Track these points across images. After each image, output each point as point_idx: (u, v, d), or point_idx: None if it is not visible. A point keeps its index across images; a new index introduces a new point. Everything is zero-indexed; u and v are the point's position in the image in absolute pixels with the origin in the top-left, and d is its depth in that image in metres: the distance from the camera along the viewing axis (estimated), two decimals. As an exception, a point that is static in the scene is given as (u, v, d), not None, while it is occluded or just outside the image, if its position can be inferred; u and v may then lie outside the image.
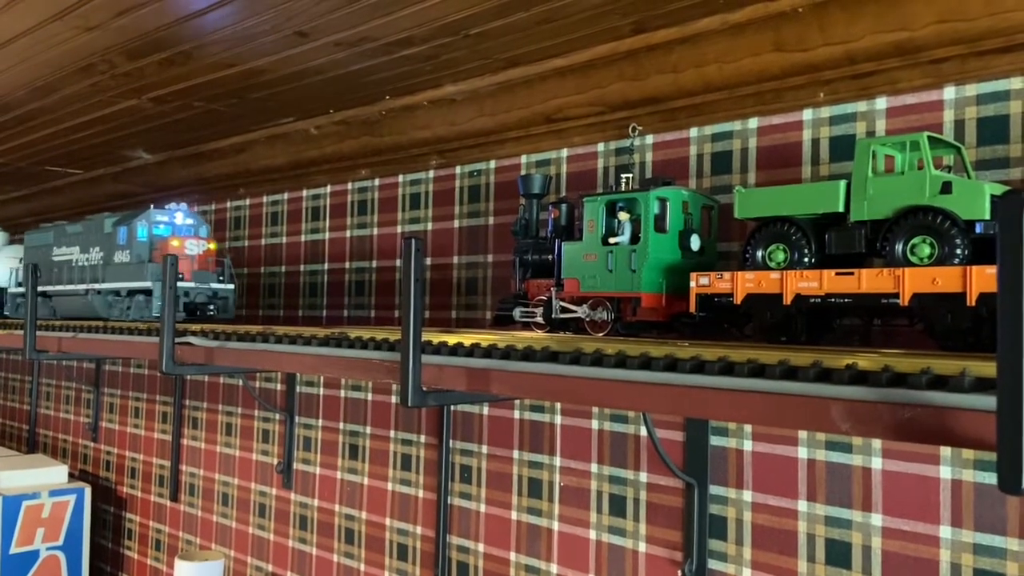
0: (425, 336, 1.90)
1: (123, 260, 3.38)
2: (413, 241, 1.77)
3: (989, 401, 1.08)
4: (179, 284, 2.96)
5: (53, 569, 4.52)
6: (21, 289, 3.87)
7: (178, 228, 3.38)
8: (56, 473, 4.69)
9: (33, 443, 5.86)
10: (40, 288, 3.65)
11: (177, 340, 2.63)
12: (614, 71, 2.44)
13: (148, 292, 3.24)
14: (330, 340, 2.26)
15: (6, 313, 4.47)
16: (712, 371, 1.44)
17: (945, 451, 1.92)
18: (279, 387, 3.82)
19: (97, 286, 3.53)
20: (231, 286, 3.31)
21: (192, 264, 3.26)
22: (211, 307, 3.26)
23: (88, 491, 4.66)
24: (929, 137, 1.66)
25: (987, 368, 1.19)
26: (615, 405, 1.58)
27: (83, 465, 5.30)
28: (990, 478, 1.86)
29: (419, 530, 3.15)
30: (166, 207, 3.44)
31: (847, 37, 2.00)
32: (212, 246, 3.37)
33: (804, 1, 2.02)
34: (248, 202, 4.20)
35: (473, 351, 1.86)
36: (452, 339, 1.98)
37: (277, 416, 3.80)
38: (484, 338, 1.96)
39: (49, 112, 3.48)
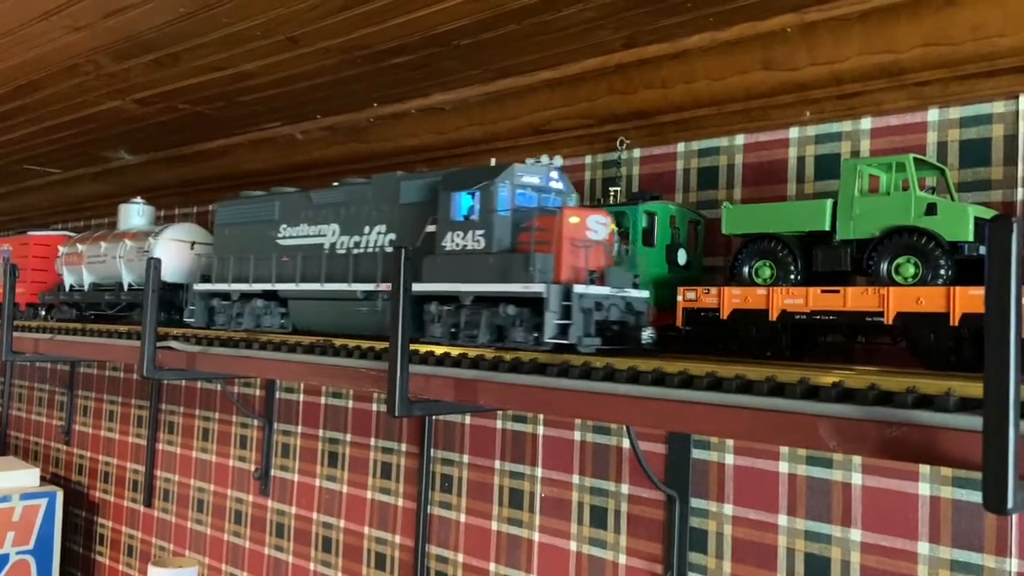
0: (412, 346, 1.90)
1: (467, 246, 2.01)
2: (403, 250, 1.77)
3: (974, 421, 1.10)
4: (586, 290, 1.81)
5: (23, 574, 4.45)
6: (215, 286, 2.79)
7: (546, 196, 2.09)
8: (27, 476, 4.62)
9: (4, 446, 5.76)
10: (258, 285, 2.62)
11: (158, 344, 2.61)
12: (603, 85, 2.46)
13: (532, 301, 1.86)
14: (315, 347, 2.25)
15: (188, 320, 2.96)
16: (700, 386, 1.46)
17: (924, 468, 1.94)
18: (258, 392, 3.79)
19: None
20: (645, 294, 1.96)
21: (600, 257, 1.93)
22: (626, 326, 1.90)
23: (60, 495, 4.59)
24: (914, 158, 1.69)
25: (971, 388, 1.21)
26: (603, 418, 1.59)
27: (55, 469, 5.22)
28: (968, 495, 1.88)
29: (398, 539, 3.14)
30: (536, 160, 2.11)
31: (834, 58, 2.03)
32: (613, 227, 2.01)
33: (793, 21, 2.05)
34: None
35: (460, 362, 1.86)
36: (439, 349, 1.97)
37: (255, 422, 3.77)
38: (471, 349, 1.96)
39: (31, 111, 3.44)
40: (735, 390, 1.41)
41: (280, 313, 2.62)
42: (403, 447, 3.15)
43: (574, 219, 1.90)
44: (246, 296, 2.68)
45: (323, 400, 3.49)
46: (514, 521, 2.76)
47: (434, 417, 3.01)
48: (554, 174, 2.09)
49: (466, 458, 2.92)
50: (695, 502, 2.31)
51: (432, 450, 3.02)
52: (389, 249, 2.25)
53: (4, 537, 4.37)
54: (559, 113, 2.59)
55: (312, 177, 3.61)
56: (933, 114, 2.01)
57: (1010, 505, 0.99)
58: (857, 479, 2.04)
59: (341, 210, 2.45)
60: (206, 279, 2.94)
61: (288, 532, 3.59)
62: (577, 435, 2.61)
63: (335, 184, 2.56)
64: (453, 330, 2.01)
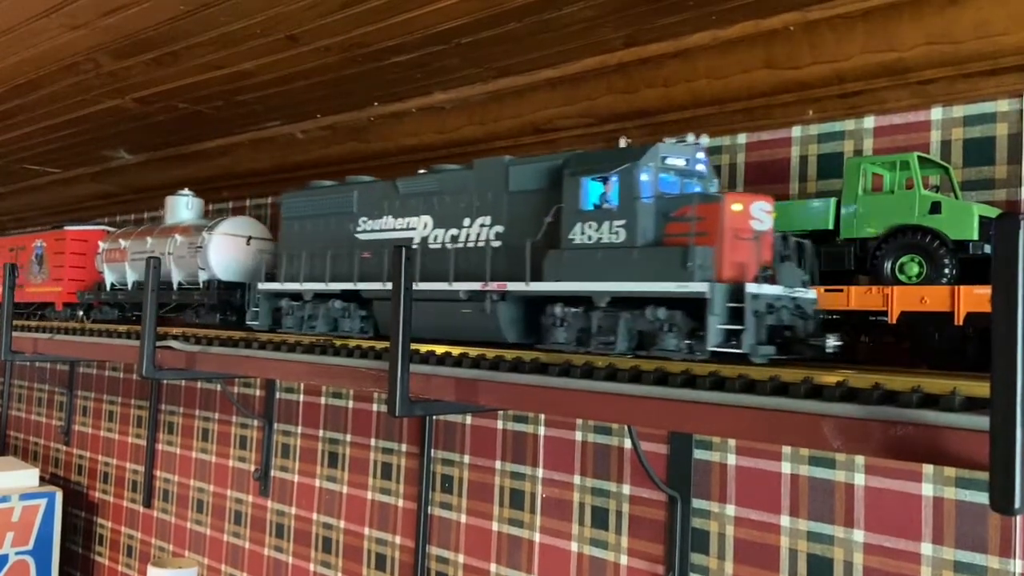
0: (412, 345, 1.89)
1: (602, 239, 1.76)
2: (403, 249, 1.76)
3: (981, 421, 1.09)
4: (760, 290, 1.56)
5: (22, 574, 4.43)
6: (285, 286, 2.50)
7: (688, 181, 1.82)
8: (27, 476, 4.60)
9: (3, 446, 5.75)
10: (336, 285, 2.34)
11: (158, 344, 2.60)
12: (604, 83, 2.45)
13: (687, 303, 1.62)
14: (315, 347, 2.24)
15: (251, 323, 2.66)
16: (703, 386, 1.45)
17: (927, 468, 1.93)
18: (258, 393, 3.78)
19: (520, 287, 1.91)
20: (814, 294, 1.71)
21: (766, 251, 1.66)
22: (796, 331, 1.61)
23: (59, 495, 4.58)
24: (919, 157, 1.68)
25: (976, 388, 1.20)
26: (605, 418, 1.58)
27: (55, 469, 5.21)
28: (971, 496, 1.87)
29: (398, 540, 3.13)
30: (680, 139, 1.83)
31: (837, 56, 2.02)
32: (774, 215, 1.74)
33: (795, 20, 2.04)
34: (231, 205, 4.16)
35: (461, 361, 1.85)
36: (440, 349, 1.97)
37: (255, 422, 3.76)
38: (472, 348, 1.95)
39: (30, 110, 3.43)
40: (738, 389, 1.40)
41: (361, 316, 2.34)
42: (403, 447, 3.14)
43: (737, 206, 1.62)
44: (320, 296, 2.41)
45: (323, 400, 3.48)
46: (515, 522, 2.75)
47: (434, 417, 3.01)
48: (701, 155, 1.83)
49: (467, 458, 2.91)
50: (697, 502, 2.30)
51: (432, 450, 3.01)
52: (496, 244, 2.01)
53: (3, 537, 4.36)
54: (560, 112, 2.58)
55: (312, 176, 3.59)
56: (936, 113, 2.00)
57: (1017, 505, 0.98)
58: (860, 479, 2.03)
59: (434, 200, 2.19)
60: (271, 277, 2.66)
61: (288, 533, 3.58)
62: (578, 435, 2.60)
63: (422, 172, 2.31)
64: (580, 336, 1.77)
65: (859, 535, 2.03)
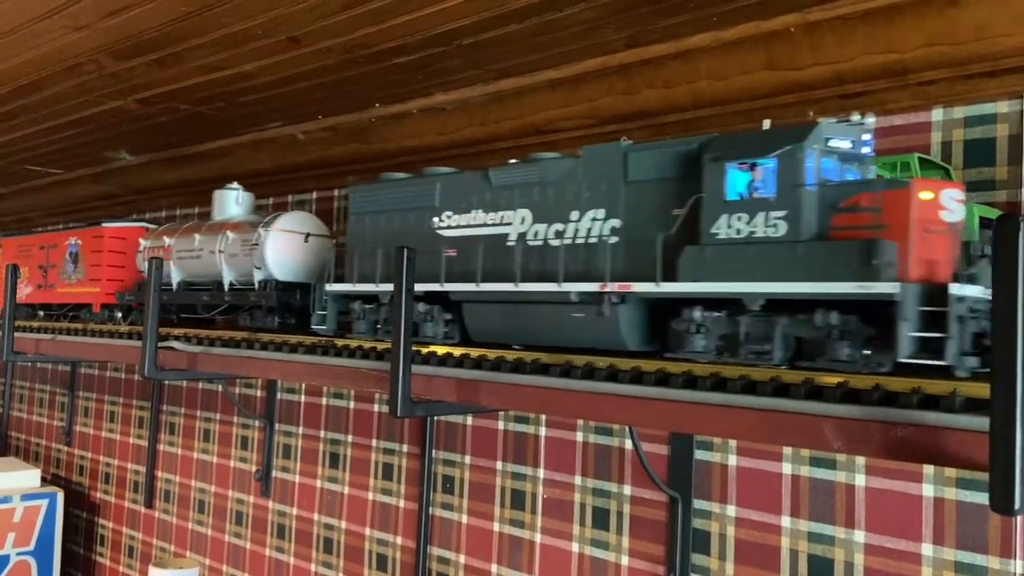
0: (414, 346, 1.89)
1: (755, 232, 1.54)
2: (405, 250, 1.77)
3: (981, 422, 1.09)
4: (963, 291, 1.35)
5: (24, 574, 4.44)
6: (357, 287, 2.29)
7: (847, 167, 1.59)
8: (28, 477, 4.61)
9: (5, 446, 5.75)
10: (418, 286, 1.99)
11: (160, 344, 2.60)
12: (605, 85, 2.45)
13: (864, 306, 1.42)
14: (317, 348, 2.25)
15: (317, 328, 2.44)
16: (704, 387, 1.45)
17: (928, 469, 1.94)
18: (259, 393, 3.78)
19: (648, 288, 1.69)
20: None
21: (957, 246, 1.45)
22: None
23: (61, 496, 4.58)
24: (919, 158, 1.68)
25: (976, 389, 1.20)
26: (606, 419, 1.58)
27: (56, 469, 5.21)
28: (972, 496, 1.87)
29: (399, 540, 3.13)
30: (844, 118, 1.63)
31: (837, 58, 2.03)
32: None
33: (796, 21, 2.04)
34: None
35: (463, 362, 1.86)
36: (441, 349, 1.97)
37: (256, 423, 3.76)
38: (473, 349, 1.95)
39: (32, 111, 3.44)
40: (739, 391, 1.40)
41: (445, 319, 2.12)
42: (404, 448, 3.14)
43: (927, 194, 1.40)
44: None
45: (324, 401, 3.48)
46: (516, 522, 2.76)
47: (436, 418, 3.01)
48: (867, 136, 1.60)
49: (468, 459, 2.91)
50: (698, 503, 2.30)
51: (434, 451, 3.02)
52: (611, 240, 1.79)
53: (5, 538, 4.36)
54: (561, 113, 2.59)
55: (313, 177, 3.60)
56: (937, 114, 2.00)
57: (1017, 505, 0.99)
58: (860, 480, 2.03)
59: (534, 192, 1.97)
60: (338, 278, 2.45)
61: (289, 533, 3.59)
62: (579, 436, 2.60)
63: (512, 161, 2.12)
64: (723, 344, 1.58)
65: (860, 536, 2.03)
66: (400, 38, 2.36)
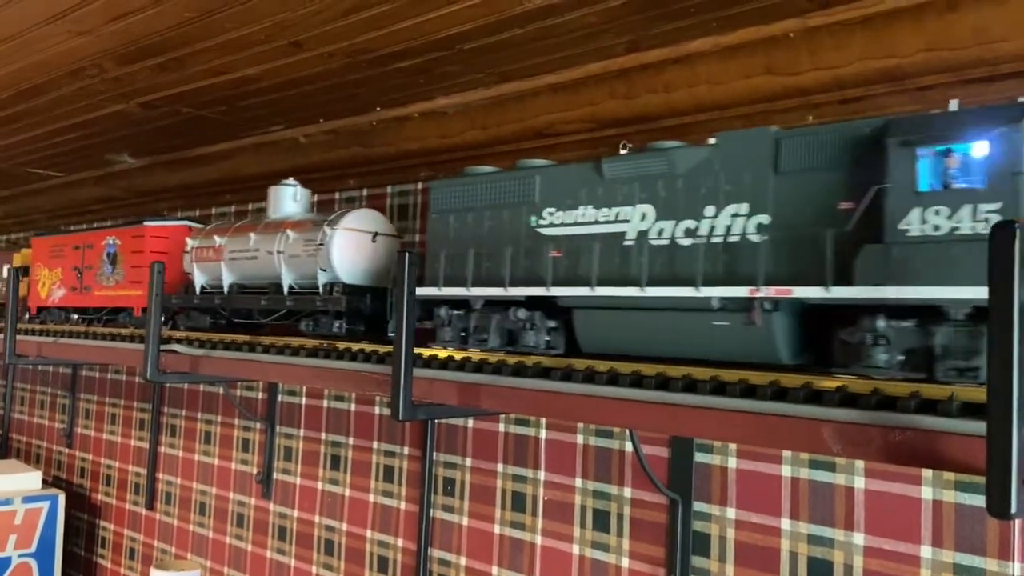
0: (415, 349, 1.90)
1: (959, 228, 1.35)
2: (407, 253, 1.78)
3: (978, 426, 1.10)
4: None
5: (25, 577, 4.45)
6: (444, 291, 2.09)
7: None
8: (29, 479, 4.62)
9: (6, 449, 5.76)
10: (518, 290, 1.95)
11: (162, 347, 2.61)
12: (606, 89, 2.46)
13: None
14: (318, 351, 2.26)
15: (393, 334, 2.18)
16: (704, 391, 1.46)
17: (927, 472, 1.95)
18: (260, 396, 3.79)
19: (816, 293, 1.49)
20: None
21: None
22: None
23: (62, 498, 4.59)
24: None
25: (974, 393, 1.21)
26: (607, 422, 1.59)
27: (57, 471, 5.22)
28: (971, 499, 1.88)
29: (400, 542, 3.14)
30: None
31: (836, 62, 2.04)
32: None
33: (795, 26, 2.06)
34: (234, 209, 4.18)
35: (464, 365, 1.87)
36: (443, 353, 1.98)
37: (257, 425, 3.77)
38: (474, 353, 1.96)
39: (35, 114, 3.45)
40: (739, 394, 1.41)
41: (549, 327, 1.93)
42: (405, 450, 3.15)
43: None
44: (493, 304, 2.02)
45: (325, 403, 3.49)
46: (517, 524, 2.77)
47: (437, 421, 3.02)
48: None
49: (469, 461, 2.92)
50: (698, 506, 2.31)
51: (435, 453, 3.03)
52: (757, 238, 1.60)
53: (6, 540, 4.37)
54: (561, 117, 2.60)
55: (315, 180, 3.61)
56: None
57: (1013, 510, 1.00)
58: (860, 483, 2.04)
59: (657, 185, 1.78)
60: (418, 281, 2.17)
61: (290, 535, 3.59)
62: (580, 438, 2.61)
63: (624, 150, 1.94)
64: (910, 357, 1.38)
65: (859, 538, 2.04)
66: (402, 42, 2.37)
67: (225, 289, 2.99)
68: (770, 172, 1.62)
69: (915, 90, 1.99)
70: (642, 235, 1.78)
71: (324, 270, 2.56)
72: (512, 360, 1.82)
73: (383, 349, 2.09)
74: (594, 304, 1.82)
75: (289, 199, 2.99)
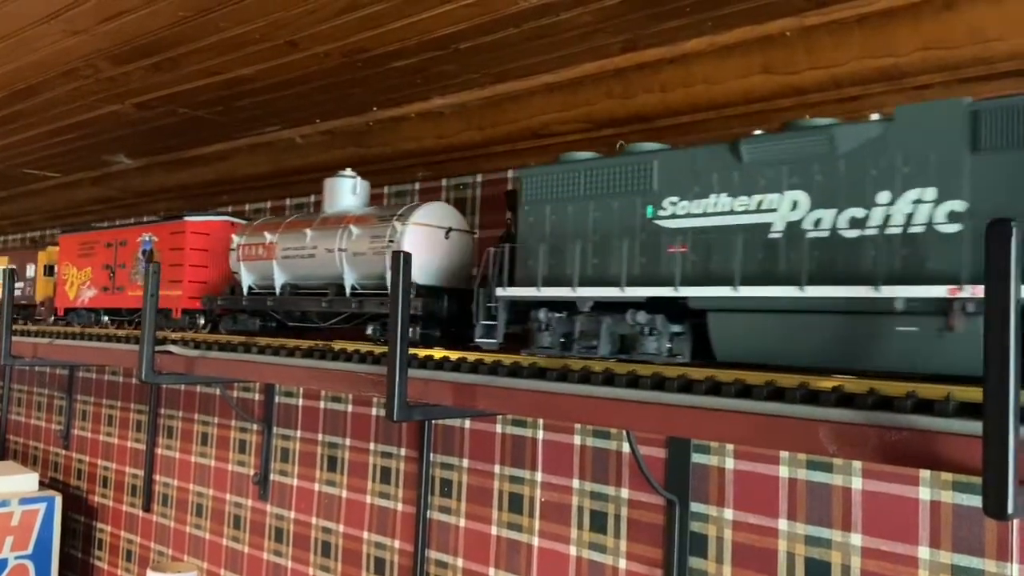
0: (410, 350, 1.89)
1: None
2: (402, 255, 1.77)
3: (974, 426, 1.09)
4: None
5: (21, 579, 4.44)
6: (543, 292, 1.87)
7: None
8: (26, 481, 4.61)
9: (3, 450, 5.75)
10: (636, 291, 1.73)
11: (157, 348, 2.60)
12: (602, 89, 2.45)
13: None
14: (314, 352, 2.25)
15: (482, 342, 2.02)
16: (699, 391, 1.45)
17: (924, 472, 1.94)
18: (257, 397, 3.78)
19: None
20: None
21: None
22: None
23: (59, 500, 4.58)
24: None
25: (970, 393, 1.20)
26: (602, 423, 1.59)
27: (54, 473, 5.21)
28: (968, 500, 1.88)
29: (397, 544, 3.13)
30: None
31: (833, 61, 2.03)
32: None
33: (792, 25, 2.05)
34: (230, 209, 4.16)
35: (459, 366, 1.86)
36: (438, 353, 1.97)
37: (254, 426, 3.76)
38: (470, 353, 1.95)
39: (30, 115, 3.44)
40: (734, 395, 1.40)
41: (673, 333, 1.70)
42: (402, 451, 3.14)
43: None
44: (603, 307, 1.80)
45: (322, 404, 3.48)
46: (514, 526, 2.76)
47: (433, 422, 3.01)
48: None
49: (466, 462, 2.91)
50: (695, 506, 2.30)
51: (431, 454, 3.02)
52: (950, 228, 1.38)
53: (3, 542, 4.36)
54: (558, 117, 2.59)
55: (311, 181, 3.60)
56: (932, 118, 2.00)
57: (1010, 510, 0.99)
58: (857, 483, 2.03)
59: (813, 168, 1.56)
60: (508, 280, 1.98)
61: (287, 537, 3.58)
62: (577, 439, 2.60)
63: (757, 132, 1.72)
64: None
65: (857, 539, 2.03)
66: (397, 42, 2.37)
67: (277, 289, 2.74)
68: (965, 151, 1.39)
69: (912, 89, 1.99)
70: (793, 226, 1.55)
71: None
72: (508, 361, 1.81)
73: (379, 350, 2.08)
74: (737, 306, 1.59)
75: (347, 192, 2.75)
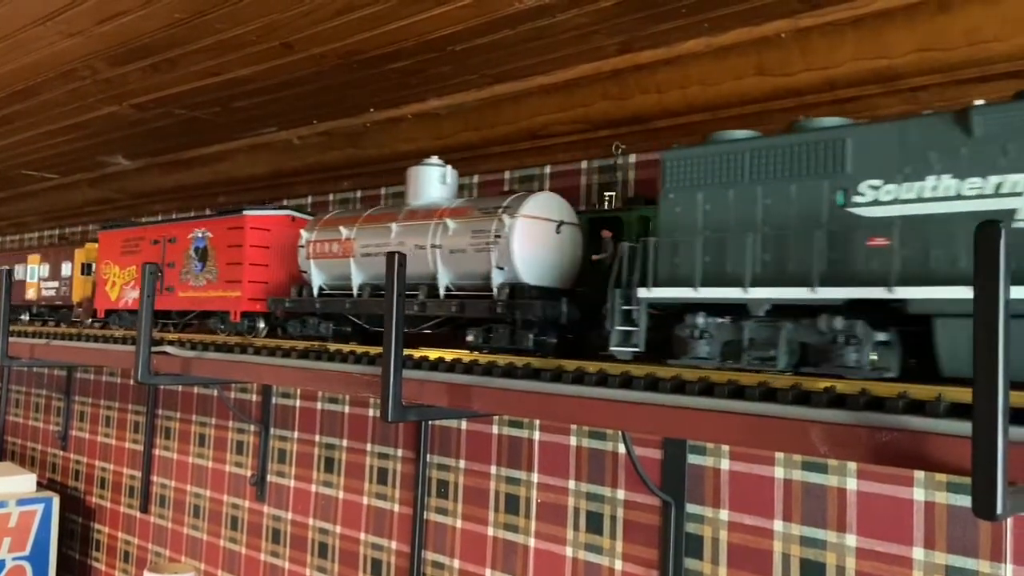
0: (406, 351, 1.90)
1: None
2: (396, 256, 1.77)
3: (964, 427, 1.10)
4: None
5: (18, 580, 4.44)
6: (703, 293, 1.59)
7: None
8: (24, 482, 4.61)
9: (1, 451, 5.75)
10: (833, 291, 1.45)
11: (153, 349, 2.61)
12: (599, 90, 2.46)
13: None
14: (309, 353, 2.25)
15: (617, 350, 1.72)
16: (692, 391, 1.45)
17: (919, 473, 1.94)
18: (254, 398, 3.78)
19: None
20: None
21: None
22: None
23: (56, 501, 4.58)
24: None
25: (961, 394, 1.20)
26: (596, 424, 1.59)
27: (52, 474, 5.21)
28: (962, 500, 1.88)
29: (394, 545, 3.13)
30: None
31: (828, 63, 2.04)
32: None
33: (787, 27, 2.05)
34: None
35: (454, 366, 1.86)
36: (433, 354, 1.97)
37: (252, 427, 3.76)
38: (465, 354, 1.96)
39: (27, 116, 3.44)
40: (727, 395, 1.41)
41: (877, 341, 1.42)
42: (399, 453, 3.14)
43: None
44: (781, 310, 1.52)
45: (319, 405, 3.48)
46: (510, 527, 2.76)
47: (430, 422, 3.01)
48: None
49: (462, 463, 2.92)
50: (691, 507, 2.31)
51: (428, 455, 3.02)
52: None
53: (0, 543, 4.36)
54: (554, 118, 2.59)
55: (309, 182, 3.61)
56: (928, 119, 2.00)
57: (999, 511, 0.99)
58: (852, 484, 2.04)
59: None
60: (649, 281, 1.68)
61: (284, 538, 3.59)
62: (573, 440, 2.60)
63: (981, 102, 1.41)
64: None
65: (851, 539, 2.03)
66: (394, 44, 2.37)
67: (355, 290, 2.44)
68: None
69: (908, 91, 1.99)
70: None
71: (501, 268, 2.05)
72: (503, 361, 1.81)
73: (374, 351, 2.08)
74: (964, 312, 1.24)
75: (436, 182, 2.42)
